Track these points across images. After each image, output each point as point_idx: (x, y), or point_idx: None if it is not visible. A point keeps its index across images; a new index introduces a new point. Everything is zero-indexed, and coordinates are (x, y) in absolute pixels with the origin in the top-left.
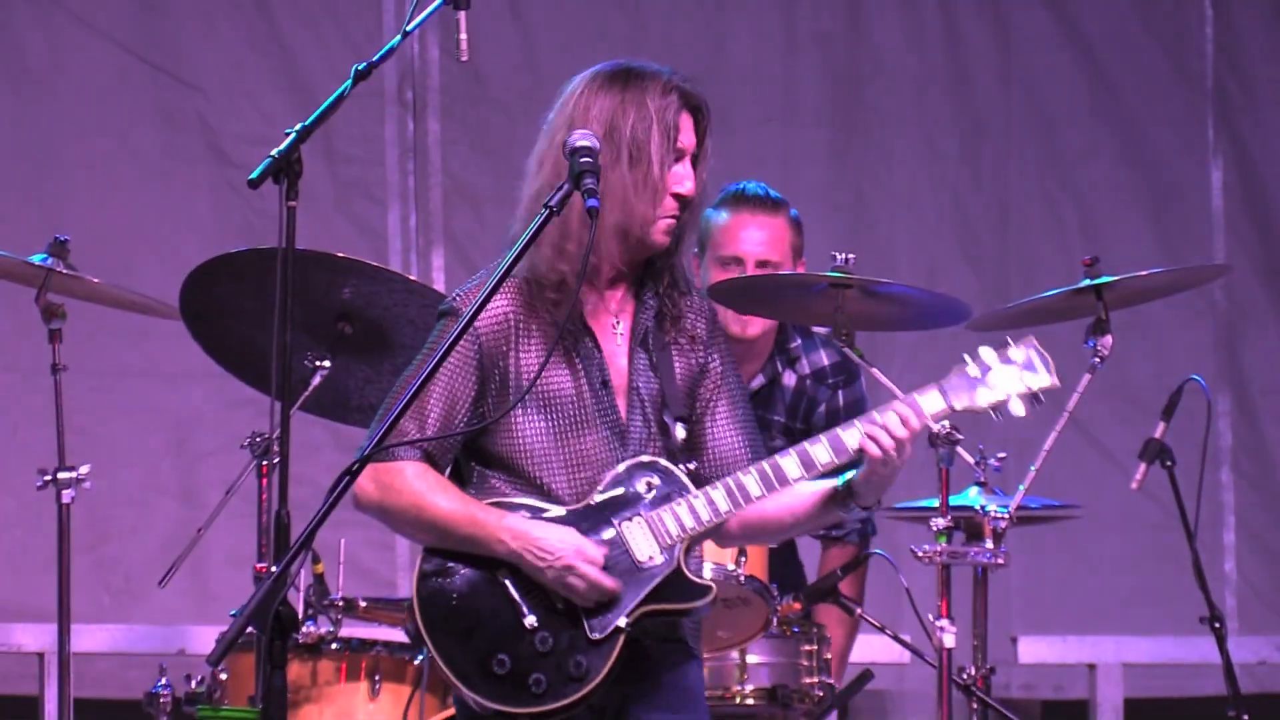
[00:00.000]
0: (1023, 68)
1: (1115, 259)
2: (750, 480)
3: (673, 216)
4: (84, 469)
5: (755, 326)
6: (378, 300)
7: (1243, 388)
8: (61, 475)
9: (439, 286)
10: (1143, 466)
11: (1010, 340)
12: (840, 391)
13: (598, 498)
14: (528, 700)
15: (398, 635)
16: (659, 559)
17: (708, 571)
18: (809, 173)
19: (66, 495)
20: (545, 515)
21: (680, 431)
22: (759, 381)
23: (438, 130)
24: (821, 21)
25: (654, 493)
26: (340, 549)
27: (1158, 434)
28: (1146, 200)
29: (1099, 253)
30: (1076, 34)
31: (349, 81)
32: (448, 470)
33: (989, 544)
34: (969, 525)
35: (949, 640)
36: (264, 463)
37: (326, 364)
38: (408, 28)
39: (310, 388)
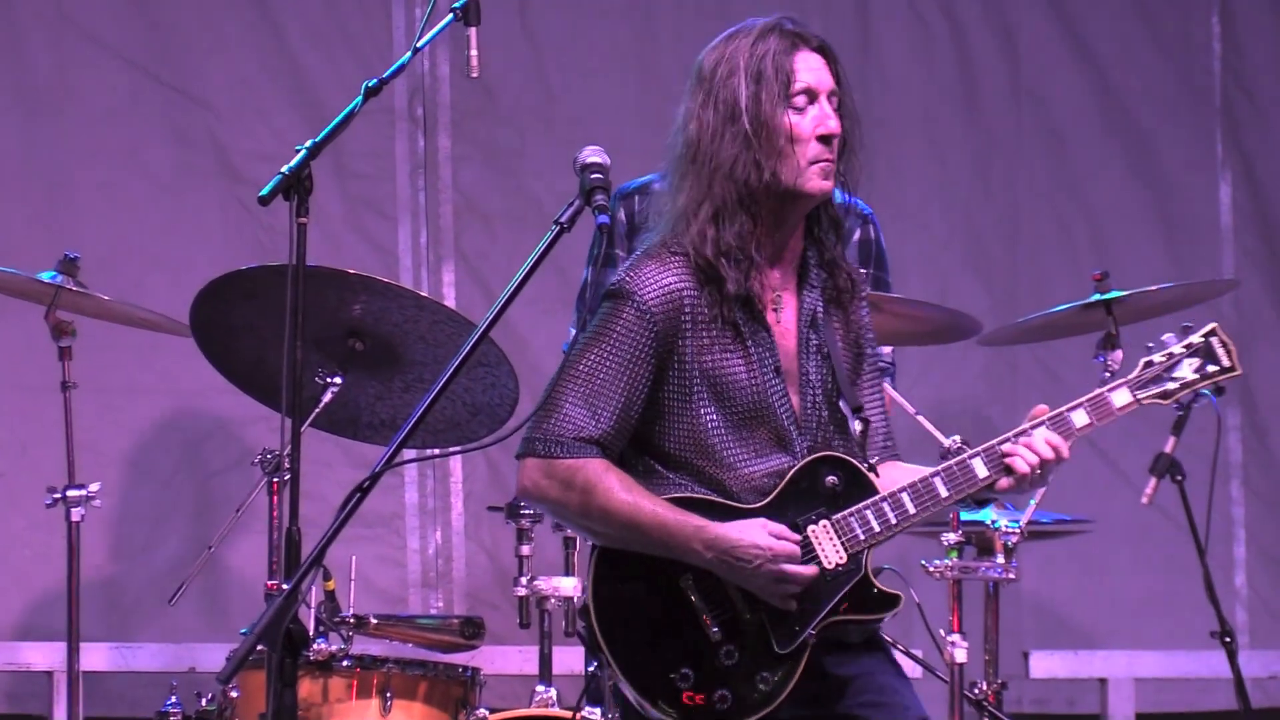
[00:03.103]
0: (1032, 84)
1: (1125, 274)
2: (938, 482)
3: (825, 160)
4: (94, 487)
5: None
6: (389, 316)
7: (1252, 402)
8: (71, 493)
9: (450, 303)
10: (1153, 481)
11: (1190, 327)
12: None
13: (780, 497)
14: (713, 718)
15: (409, 652)
16: (847, 566)
17: None
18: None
19: (76, 513)
20: (729, 516)
21: (856, 425)
22: None
23: (448, 146)
24: (830, 37)
25: (838, 493)
26: (351, 566)
27: (1168, 449)
28: (1156, 216)
29: (1109, 268)
30: (1085, 51)
31: (359, 98)
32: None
33: (1000, 559)
34: (980, 540)
35: (960, 655)
36: (275, 479)
37: (337, 380)
38: (418, 44)
39: (321, 404)
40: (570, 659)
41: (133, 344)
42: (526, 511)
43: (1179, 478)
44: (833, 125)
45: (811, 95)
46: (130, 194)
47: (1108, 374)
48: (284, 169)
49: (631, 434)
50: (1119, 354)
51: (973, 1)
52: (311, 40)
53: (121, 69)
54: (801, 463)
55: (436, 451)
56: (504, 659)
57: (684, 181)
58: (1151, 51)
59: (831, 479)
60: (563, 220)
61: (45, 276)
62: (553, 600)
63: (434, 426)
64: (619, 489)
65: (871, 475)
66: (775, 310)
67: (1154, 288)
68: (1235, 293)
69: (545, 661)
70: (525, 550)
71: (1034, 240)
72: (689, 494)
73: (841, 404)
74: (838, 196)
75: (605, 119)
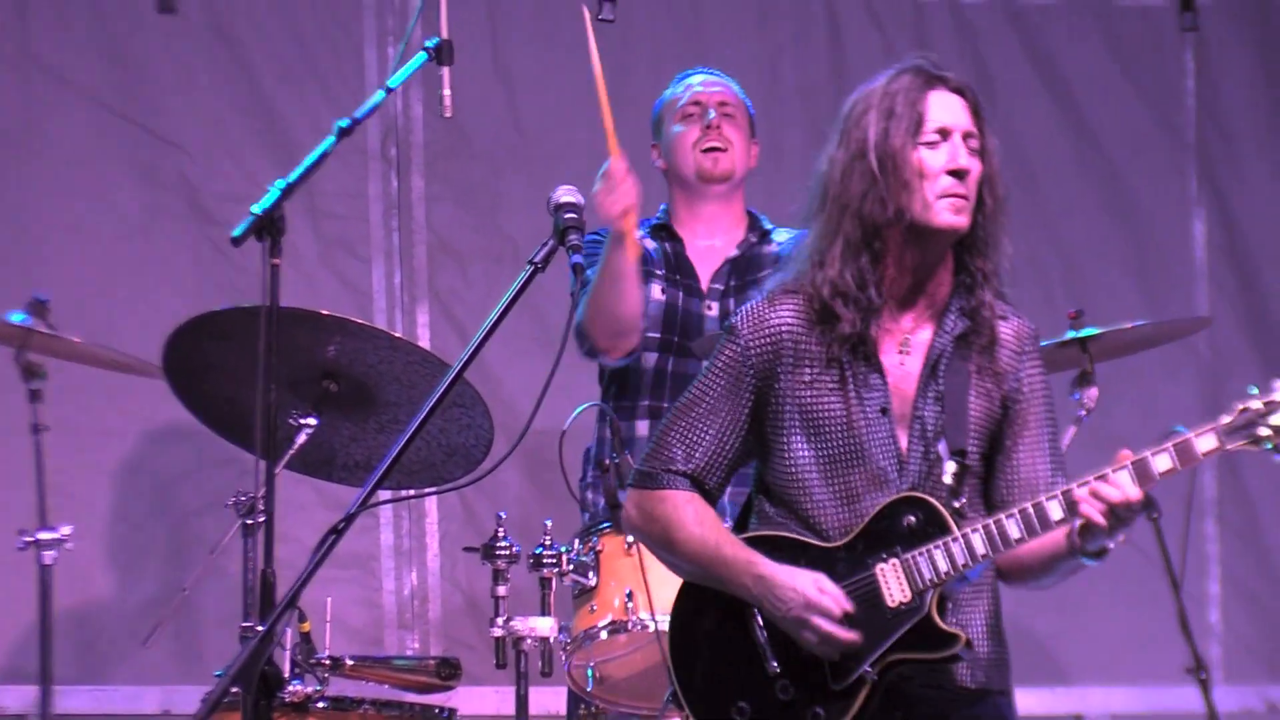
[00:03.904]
0: (1005, 121)
1: (1099, 312)
2: (1011, 524)
3: (956, 195)
4: (66, 529)
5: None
6: (363, 357)
7: None
8: (43, 536)
9: (424, 343)
10: None
11: None
12: None
13: (859, 535)
14: None
15: (385, 693)
16: (909, 604)
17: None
18: (793, 223)
19: (48, 556)
20: (806, 553)
21: (950, 467)
22: (745, 244)
23: (422, 186)
24: (805, 74)
25: (914, 533)
26: (327, 607)
27: None
28: (1130, 253)
29: (1083, 306)
30: (1059, 88)
31: (332, 138)
32: (722, 497)
33: None
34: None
35: None
36: (249, 521)
37: (311, 422)
38: (390, 84)
39: (295, 446)
40: (547, 699)
41: (104, 386)
42: (502, 552)
43: (1154, 515)
44: (964, 161)
45: (945, 133)
46: (100, 235)
47: (1083, 412)
48: (256, 209)
49: (733, 468)
50: (1094, 391)
51: (946, 39)
52: (283, 80)
53: (90, 109)
54: (884, 502)
55: (412, 492)
56: (480, 700)
57: (814, 221)
58: (1125, 88)
59: (910, 519)
60: (537, 260)
61: (15, 319)
62: (529, 641)
63: (409, 467)
64: (691, 523)
65: (950, 517)
66: (903, 352)
67: (1129, 325)
68: (1210, 330)
69: (522, 702)
70: (501, 590)
71: (1009, 278)
72: (773, 532)
73: (940, 446)
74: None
75: (579, 158)
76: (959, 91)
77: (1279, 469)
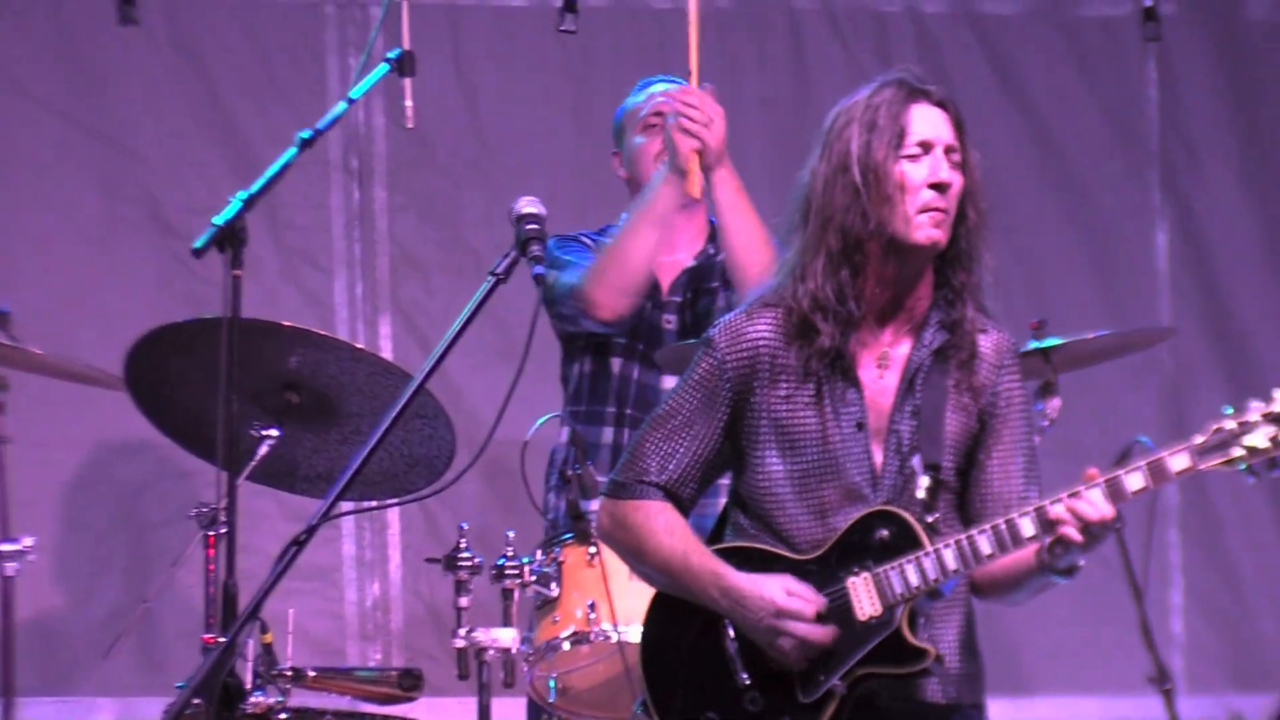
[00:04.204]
0: (967, 130)
1: (1062, 322)
2: (983, 539)
3: (936, 209)
4: (28, 541)
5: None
6: (324, 369)
7: None
8: (5, 547)
9: (386, 354)
10: None
11: (1278, 394)
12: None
13: (831, 548)
14: None
15: (347, 704)
16: (880, 618)
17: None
18: None
19: (10, 568)
20: (777, 564)
21: (924, 482)
22: (703, 255)
23: (384, 197)
24: (766, 86)
25: (886, 547)
26: (289, 618)
27: None
28: (1093, 263)
29: (1046, 315)
30: (1021, 97)
31: (294, 149)
32: (694, 510)
33: None
34: None
35: None
36: (211, 533)
37: (273, 433)
38: (352, 95)
39: (257, 457)
40: (509, 710)
41: (66, 398)
42: (464, 563)
43: (1117, 524)
44: (944, 175)
45: (927, 147)
46: (62, 247)
47: (1045, 422)
48: (218, 221)
49: (708, 479)
50: (1057, 401)
51: (908, 50)
52: (245, 91)
53: (52, 121)
54: (856, 516)
55: (374, 504)
56: (442, 710)
57: (796, 234)
58: (1088, 98)
59: (882, 533)
60: (499, 271)
61: None
62: (491, 652)
63: (371, 478)
64: (662, 533)
65: (922, 531)
66: (881, 367)
67: (1091, 335)
68: (1173, 340)
69: (484, 713)
70: (463, 602)
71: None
72: (745, 544)
73: (915, 460)
74: None
75: (541, 169)
76: (941, 105)
77: (1241, 478)
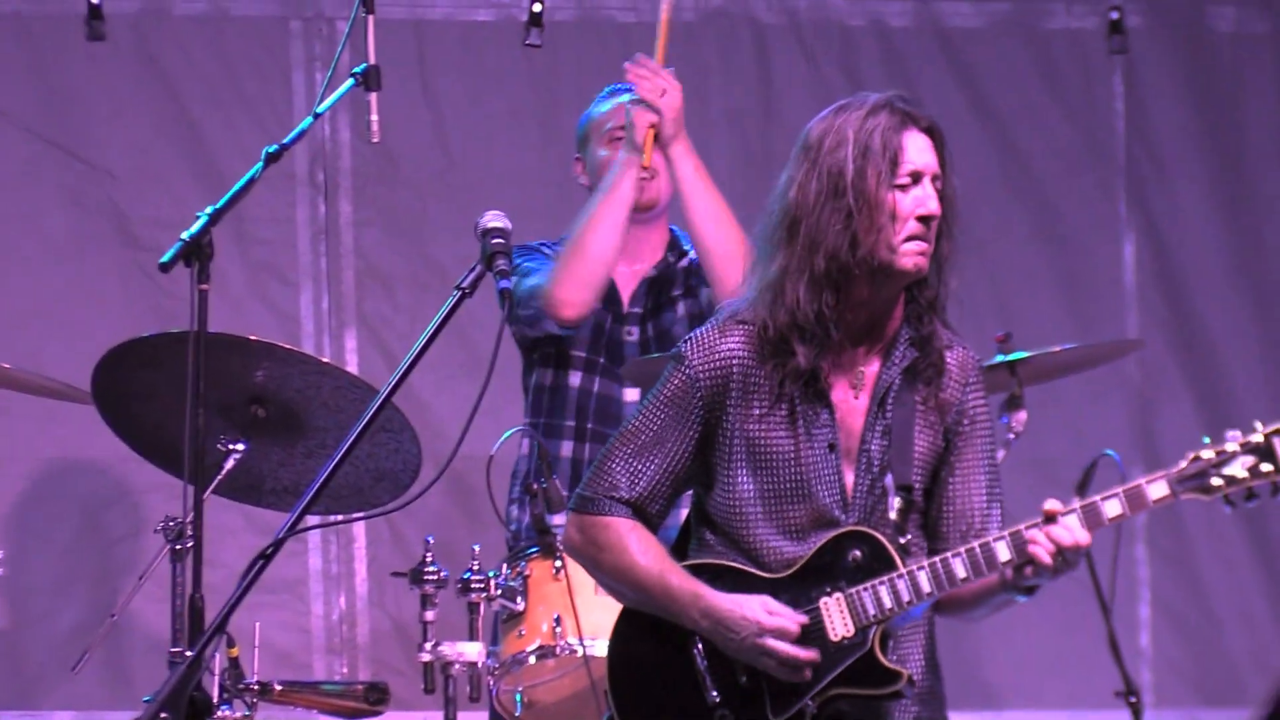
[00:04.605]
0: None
1: (1029, 335)
2: (958, 563)
3: (919, 238)
4: None
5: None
6: (291, 383)
7: (1156, 461)
8: None
9: (352, 368)
10: None
11: (1259, 425)
12: (702, 290)
13: (803, 568)
14: None
15: (313, 718)
16: (852, 639)
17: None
18: None
19: None
20: (748, 583)
21: (896, 502)
22: (662, 264)
23: (350, 212)
24: (732, 99)
25: (859, 568)
26: (255, 632)
27: None
28: (1059, 276)
29: (1012, 329)
30: (987, 109)
31: (260, 164)
32: (661, 525)
33: None
34: None
35: None
36: (177, 547)
37: (240, 447)
38: (318, 109)
39: (223, 471)
40: None
41: (31, 411)
42: (430, 577)
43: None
44: (933, 207)
45: (916, 176)
46: (28, 260)
47: (1012, 435)
48: (184, 235)
49: (676, 495)
50: (1023, 415)
51: (874, 63)
52: (210, 106)
53: (18, 135)
54: (828, 536)
55: (340, 517)
56: None
57: (777, 250)
58: (1054, 111)
59: (856, 553)
60: (464, 285)
61: None
62: (457, 666)
63: (337, 492)
64: (635, 550)
65: (896, 552)
66: (854, 388)
67: (1058, 348)
68: (1140, 353)
69: None
70: (429, 616)
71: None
72: (715, 561)
73: (887, 480)
74: None
75: (507, 183)
76: (929, 132)
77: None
